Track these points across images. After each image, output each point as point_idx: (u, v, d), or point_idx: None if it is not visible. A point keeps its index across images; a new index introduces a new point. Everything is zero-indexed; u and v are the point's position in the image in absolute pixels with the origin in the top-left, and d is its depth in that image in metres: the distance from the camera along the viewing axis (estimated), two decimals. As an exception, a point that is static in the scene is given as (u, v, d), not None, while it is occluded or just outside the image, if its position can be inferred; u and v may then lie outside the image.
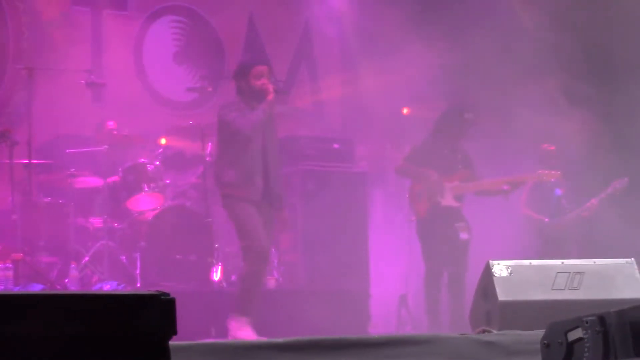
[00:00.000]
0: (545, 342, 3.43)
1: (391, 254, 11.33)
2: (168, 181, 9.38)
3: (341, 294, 9.35)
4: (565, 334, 3.38)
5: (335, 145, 10.10)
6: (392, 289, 10.51)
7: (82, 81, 9.26)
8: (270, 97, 7.65)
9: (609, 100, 10.38)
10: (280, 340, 3.78)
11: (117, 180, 9.25)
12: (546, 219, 9.78)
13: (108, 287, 8.45)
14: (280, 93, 8.08)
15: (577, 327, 3.35)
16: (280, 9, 11.73)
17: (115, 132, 9.43)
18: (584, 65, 10.35)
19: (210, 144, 9.36)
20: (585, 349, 3.31)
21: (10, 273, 8.33)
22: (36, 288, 8.09)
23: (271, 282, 9.32)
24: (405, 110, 12.16)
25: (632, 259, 5.64)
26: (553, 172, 8.92)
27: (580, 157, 10.01)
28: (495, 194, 8.89)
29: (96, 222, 9.21)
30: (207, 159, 9.32)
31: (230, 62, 11.53)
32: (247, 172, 7.66)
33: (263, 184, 7.70)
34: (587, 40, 10.36)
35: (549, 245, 9.70)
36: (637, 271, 5.57)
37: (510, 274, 5.27)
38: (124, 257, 8.99)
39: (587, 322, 3.30)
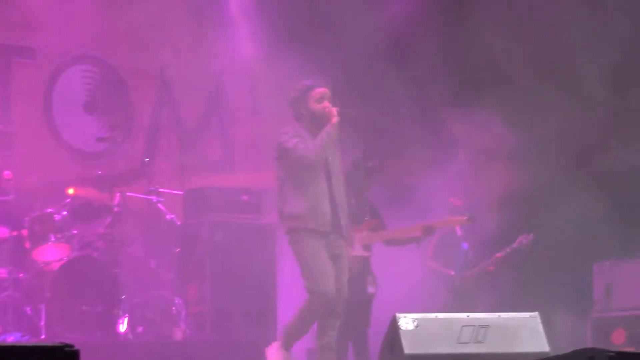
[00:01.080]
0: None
1: (299, 306, 11.32)
2: (75, 231, 9.28)
3: (249, 345, 9.30)
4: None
5: (244, 197, 10.11)
6: (299, 342, 10.50)
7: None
8: (335, 120, 7.24)
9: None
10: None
11: (24, 230, 9.12)
12: (452, 273, 9.88)
13: (12, 338, 8.30)
14: (347, 115, 7.55)
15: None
16: (192, 59, 11.75)
17: (11, 182, 9.27)
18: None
19: (118, 194, 9.30)
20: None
21: None
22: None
23: (178, 334, 9.25)
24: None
25: (536, 312, 5.75)
26: (459, 217, 9.03)
27: (488, 211, 10.18)
28: (406, 243, 8.95)
29: (1, 272, 9.06)
30: (115, 209, 9.25)
31: (140, 113, 11.51)
32: (315, 202, 7.26)
33: (331, 213, 7.33)
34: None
35: (455, 299, 9.80)
36: (540, 325, 5.67)
37: (417, 327, 5.33)
38: (29, 308, 8.85)
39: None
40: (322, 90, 7.36)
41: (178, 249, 9.83)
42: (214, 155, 11.95)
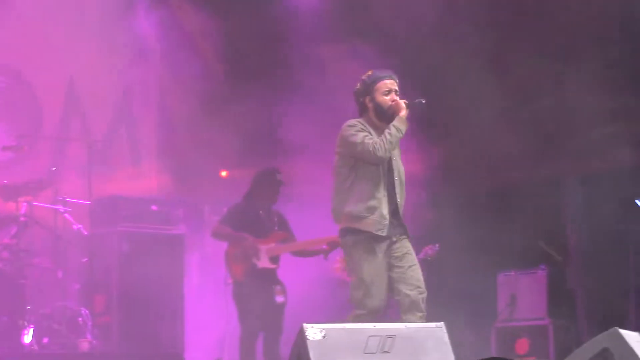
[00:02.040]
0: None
1: (207, 317, 11.32)
2: (-21, 242, 9.14)
3: (155, 356, 9.26)
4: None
5: (153, 207, 10.06)
6: (207, 353, 10.50)
7: None
8: (404, 113, 6.79)
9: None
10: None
11: None
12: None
13: None
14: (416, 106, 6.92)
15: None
16: (101, 69, 11.68)
17: None
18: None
19: (24, 204, 9.19)
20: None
21: None
22: None
23: (84, 345, 9.16)
24: (224, 173, 12.28)
25: (442, 322, 5.83)
26: None
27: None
28: (314, 255, 9.00)
29: None
30: (21, 219, 9.14)
31: (47, 122, 11.41)
32: (376, 204, 6.78)
33: (392, 215, 6.83)
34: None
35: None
36: (446, 335, 5.76)
37: (324, 337, 5.36)
38: None
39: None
40: (389, 82, 6.91)
41: (85, 259, 9.74)
42: (123, 165, 11.88)
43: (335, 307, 10.31)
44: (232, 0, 11.97)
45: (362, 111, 6.96)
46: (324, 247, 8.83)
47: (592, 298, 12.36)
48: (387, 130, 6.74)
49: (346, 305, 9.97)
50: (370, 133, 6.79)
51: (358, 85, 6.96)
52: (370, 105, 6.90)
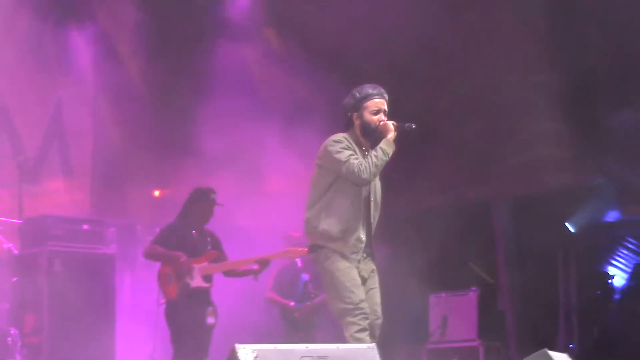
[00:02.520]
0: None
1: (139, 337, 11.24)
2: None
3: (85, 376, 9.20)
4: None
5: (85, 226, 9.99)
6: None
7: None
8: (392, 136, 6.56)
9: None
10: None
11: None
12: (292, 304, 9.97)
13: None
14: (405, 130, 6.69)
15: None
16: (31, 86, 11.59)
17: None
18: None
19: None
20: None
21: None
22: None
23: (12, 366, 9.06)
24: (156, 192, 12.24)
25: (374, 343, 5.87)
26: (300, 249, 9.12)
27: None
28: (245, 274, 8.99)
29: None
30: None
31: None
32: (353, 226, 6.56)
33: (366, 238, 6.65)
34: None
35: (294, 330, 9.89)
36: (378, 356, 5.79)
37: (256, 357, 5.37)
38: None
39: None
40: (379, 100, 6.69)
41: (15, 279, 9.63)
42: (54, 184, 11.79)
43: (267, 327, 10.33)
44: (162, 16, 11.95)
45: (348, 126, 6.74)
46: (254, 267, 8.84)
47: (522, 319, 12.50)
48: (373, 153, 6.55)
49: (277, 326, 10.02)
50: (355, 151, 6.59)
51: (347, 99, 6.75)
52: (357, 122, 6.68)
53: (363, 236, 6.60)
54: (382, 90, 6.71)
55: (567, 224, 13.18)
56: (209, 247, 8.89)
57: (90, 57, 11.89)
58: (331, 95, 10.31)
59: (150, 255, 9.04)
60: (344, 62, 11.59)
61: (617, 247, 13.98)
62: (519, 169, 12.02)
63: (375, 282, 6.70)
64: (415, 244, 11.57)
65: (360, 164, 6.47)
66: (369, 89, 6.71)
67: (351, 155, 6.52)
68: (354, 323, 6.43)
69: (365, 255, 6.66)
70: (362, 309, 6.44)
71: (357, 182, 6.52)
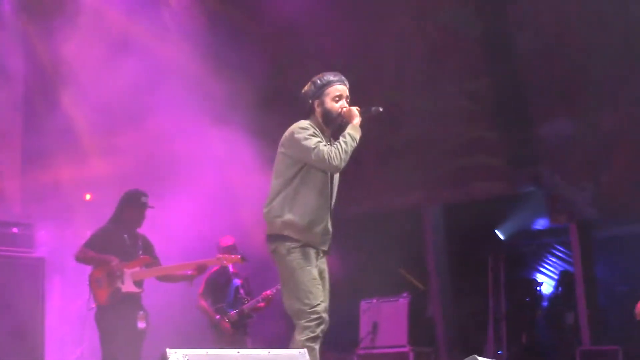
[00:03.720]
0: None
1: (68, 341, 11.16)
2: None
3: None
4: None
5: (14, 230, 9.90)
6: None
7: None
8: (357, 120, 6.37)
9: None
10: None
11: None
12: (217, 317, 9.96)
13: None
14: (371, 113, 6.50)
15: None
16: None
17: None
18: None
19: None
20: None
21: None
22: None
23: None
24: (87, 196, 12.14)
25: (305, 349, 5.89)
26: (233, 256, 9.12)
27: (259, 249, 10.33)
28: (179, 280, 8.97)
29: None
30: None
31: None
32: (319, 216, 6.37)
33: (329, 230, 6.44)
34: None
35: (226, 335, 9.88)
36: (308, 361, 5.81)
37: (187, 362, 5.36)
38: None
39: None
40: (341, 87, 6.49)
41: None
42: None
43: (199, 332, 10.31)
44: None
45: (309, 113, 6.51)
46: (189, 272, 8.82)
47: (451, 326, 12.62)
48: (342, 139, 6.34)
49: (209, 331, 10.01)
50: (321, 138, 6.36)
51: (307, 87, 6.54)
52: (319, 109, 6.47)
53: (330, 226, 6.44)
54: (343, 77, 6.55)
55: (496, 231, 13.34)
56: (141, 252, 8.84)
57: (22, 63, 11.80)
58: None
59: (81, 259, 8.97)
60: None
61: (545, 255, 14.19)
62: (449, 176, 12.14)
63: (326, 281, 6.55)
64: (346, 250, 11.61)
65: (330, 151, 6.25)
66: (329, 75, 6.53)
67: (319, 142, 6.29)
68: (307, 328, 6.27)
69: (324, 249, 6.48)
70: (318, 313, 6.27)
71: (328, 169, 6.32)
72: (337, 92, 6.47)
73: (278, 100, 11.31)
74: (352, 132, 6.35)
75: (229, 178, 11.57)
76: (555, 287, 13.26)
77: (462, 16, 11.72)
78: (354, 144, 6.33)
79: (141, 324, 8.66)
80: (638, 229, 12.67)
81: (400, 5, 12.02)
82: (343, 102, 6.47)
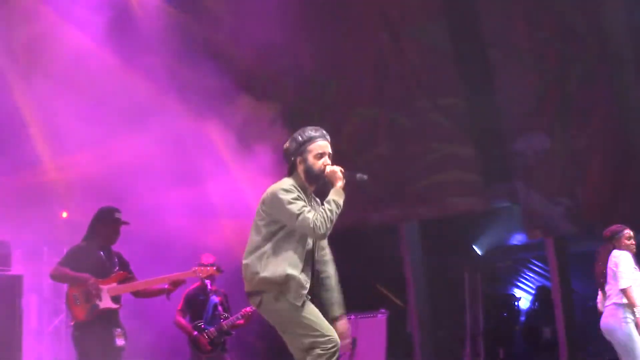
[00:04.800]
0: None
1: (46, 359, 11.11)
2: None
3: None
4: None
5: (-10, 248, 9.88)
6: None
7: None
8: (340, 184, 6.29)
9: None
10: None
11: None
12: (195, 333, 9.95)
13: None
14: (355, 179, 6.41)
15: None
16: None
17: None
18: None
19: None
20: None
21: None
22: None
23: None
24: (64, 214, 12.12)
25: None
26: (209, 268, 9.11)
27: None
28: (156, 294, 8.94)
29: None
30: None
31: None
32: (295, 272, 6.22)
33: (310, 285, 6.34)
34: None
35: (203, 351, 9.88)
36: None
37: (165, 378, 5.38)
38: None
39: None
40: (323, 143, 6.38)
41: None
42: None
43: (175, 349, 10.30)
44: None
45: (291, 170, 6.40)
46: (166, 286, 8.80)
47: (430, 341, 12.65)
48: (326, 206, 6.20)
49: (186, 346, 9.99)
50: (305, 201, 6.24)
51: (288, 143, 6.42)
52: (301, 166, 6.35)
53: (306, 282, 6.26)
54: (324, 132, 6.43)
55: (473, 246, 13.39)
56: (117, 268, 8.82)
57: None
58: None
59: (57, 277, 8.93)
60: (255, 85, 11.68)
61: (522, 270, 14.26)
62: (426, 191, 12.18)
63: None
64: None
65: (316, 220, 6.13)
66: (310, 131, 6.40)
67: (304, 207, 6.18)
68: (322, 356, 6.12)
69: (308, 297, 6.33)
70: (334, 341, 6.16)
71: (313, 237, 6.25)
72: (320, 150, 6.34)
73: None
74: (336, 198, 6.24)
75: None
76: (533, 302, 13.32)
77: (436, 32, 11.79)
78: (338, 211, 6.21)
79: (119, 341, 8.63)
80: (613, 243, 12.74)
81: (377, 23, 12.09)
82: (325, 159, 6.35)
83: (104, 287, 8.61)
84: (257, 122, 11.23)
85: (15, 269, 10.02)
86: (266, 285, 6.19)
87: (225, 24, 12.16)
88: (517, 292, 13.97)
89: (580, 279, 13.06)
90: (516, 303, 13.43)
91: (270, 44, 11.64)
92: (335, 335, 6.19)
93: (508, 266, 14.04)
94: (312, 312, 6.20)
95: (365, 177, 6.41)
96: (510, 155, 11.73)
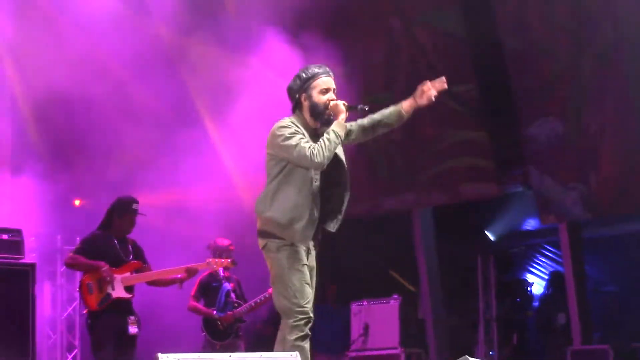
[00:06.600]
0: None
1: (59, 347, 11.14)
2: None
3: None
4: None
5: (4, 236, 9.87)
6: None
7: None
8: (344, 117, 6.25)
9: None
10: None
11: None
12: (214, 313, 9.96)
13: None
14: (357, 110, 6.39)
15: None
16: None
17: None
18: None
19: None
20: None
21: None
22: None
23: None
24: (77, 202, 12.12)
25: (297, 352, 5.89)
26: (223, 260, 9.12)
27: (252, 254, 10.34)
28: (169, 284, 8.95)
29: None
30: None
31: None
32: (303, 213, 6.20)
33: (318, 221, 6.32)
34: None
35: (216, 339, 9.89)
36: (300, 364, 5.82)
37: (179, 367, 5.36)
38: None
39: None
40: (327, 79, 6.32)
41: None
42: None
43: (191, 336, 10.31)
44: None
45: (296, 108, 6.38)
46: (179, 276, 8.80)
47: (443, 327, 12.64)
48: (326, 136, 6.20)
49: (201, 335, 10.01)
50: (303, 134, 6.23)
51: (292, 81, 6.37)
52: (305, 103, 6.31)
53: (310, 223, 6.25)
54: (328, 68, 6.39)
55: (486, 232, 13.37)
56: (131, 257, 8.83)
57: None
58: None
59: (71, 264, 8.96)
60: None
61: (535, 255, 14.22)
62: (439, 177, 12.15)
63: (313, 280, 6.42)
64: (336, 253, 11.62)
65: (313, 148, 6.13)
66: (314, 68, 6.37)
67: (301, 139, 6.17)
68: (296, 327, 6.17)
69: (312, 246, 6.37)
70: (307, 313, 6.18)
71: (310, 166, 6.19)
72: (324, 85, 6.31)
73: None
74: (337, 129, 6.22)
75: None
76: (546, 288, 13.29)
77: (450, 18, 11.74)
78: (338, 141, 6.22)
79: (133, 329, 8.64)
80: (626, 228, 12.72)
81: (390, 7, 12.05)
82: (330, 94, 6.32)
83: (118, 277, 8.62)
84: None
85: (29, 258, 10.02)
86: (271, 227, 6.23)
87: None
88: (530, 278, 13.94)
89: (593, 264, 13.04)
90: (529, 289, 13.40)
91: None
92: (309, 307, 6.18)
93: (521, 251, 14.00)
94: (301, 278, 6.21)
95: (366, 107, 6.36)
96: (524, 140, 11.68)
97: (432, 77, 6.51)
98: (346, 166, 6.45)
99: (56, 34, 10.66)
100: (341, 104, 6.27)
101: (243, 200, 11.01)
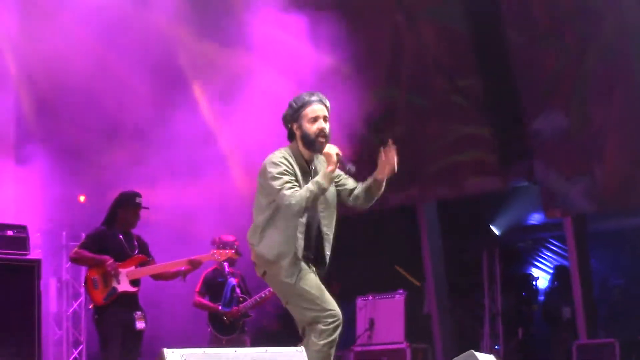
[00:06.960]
0: None
1: (65, 343, 11.15)
2: None
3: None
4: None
5: (9, 232, 9.87)
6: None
7: None
8: (331, 168, 6.13)
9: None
10: None
11: None
12: (220, 307, 9.97)
13: None
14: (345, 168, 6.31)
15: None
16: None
17: None
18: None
19: None
20: None
21: None
22: None
23: None
24: (82, 198, 12.13)
25: (302, 347, 5.89)
26: (227, 251, 9.12)
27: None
28: (174, 277, 8.96)
29: None
30: None
31: None
32: (288, 249, 6.16)
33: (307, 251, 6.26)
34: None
35: (222, 334, 9.89)
36: (306, 359, 5.82)
37: (185, 362, 5.36)
38: None
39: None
40: (318, 107, 6.19)
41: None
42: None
43: (196, 331, 10.31)
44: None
45: (291, 137, 6.30)
46: (183, 268, 8.81)
47: (448, 321, 12.63)
48: (309, 186, 6.08)
49: (206, 330, 10.01)
50: (295, 173, 6.15)
51: (286, 111, 6.29)
52: (297, 132, 6.22)
53: (298, 262, 6.15)
54: (322, 96, 6.27)
55: (491, 226, 13.35)
56: (136, 251, 8.84)
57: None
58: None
59: (76, 259, 8.97)
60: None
61: (540, 250, 14.21)
62: (444, 172, 12.14)
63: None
64: (341, 248, 11.61)
65: (292, 197, 6.03)
66: (305, 96, 6.26)
67: (286, 183, 6.07)
68: (325, 332, 6.10)
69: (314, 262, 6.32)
70: (335, 316, 6.12)
71: (287, 212, 6.09)
72: (312, 114, 6.18)
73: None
74: (322, 182, 6.09)
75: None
76: (551, 282, 13.28)
77: (454, 12, 11.73)
78: (320, 193, 6.09)
79: (139, 324, 8.66)
80: (632, 222, 12.71)
81: (394, 2, 12.03)
82: (320, 123, 6.18)
83: (123, 271, 8.64)
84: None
85: (35, 254, 10.03)
86: (260, 260, 6.20)
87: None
88: (536, 272, 13.93)
89: (598, 258, 13.03)
90: (534, 283, 13.39)
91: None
92: (337, 309, 6.12)
93: (527, 246, 14.01)
94: (313, 285, 6.14)
95: (353, 168, 6.28)
96: (529, 134, 11.67)
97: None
98: (335, 214, 6.42)
99: (59, 27, 10.65)
100: (334, 154, 6.14)
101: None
